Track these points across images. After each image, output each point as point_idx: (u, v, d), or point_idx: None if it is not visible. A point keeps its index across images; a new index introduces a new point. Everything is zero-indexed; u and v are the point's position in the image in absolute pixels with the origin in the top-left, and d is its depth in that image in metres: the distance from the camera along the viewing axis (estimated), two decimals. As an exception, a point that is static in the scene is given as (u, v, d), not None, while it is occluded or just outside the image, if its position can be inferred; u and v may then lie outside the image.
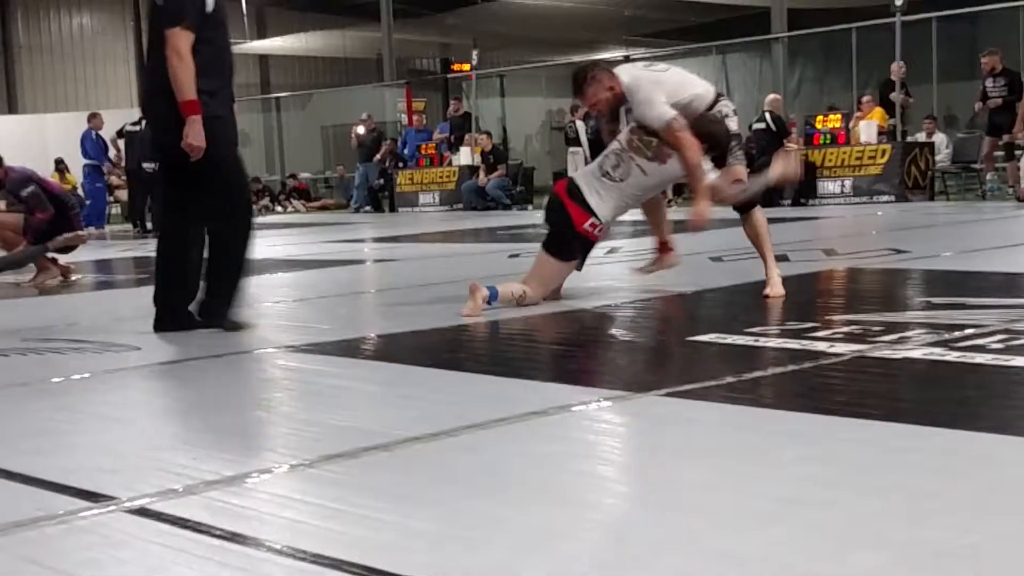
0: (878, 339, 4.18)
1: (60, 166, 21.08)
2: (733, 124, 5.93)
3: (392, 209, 20.89)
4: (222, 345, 5.04)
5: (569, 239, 5.79)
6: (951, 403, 3.29)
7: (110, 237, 17.06)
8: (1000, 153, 14.44)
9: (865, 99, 16.39)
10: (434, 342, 4.93)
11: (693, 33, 25.69)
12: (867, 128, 15.58)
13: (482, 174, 19.11)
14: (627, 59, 21.40)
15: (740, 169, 5.89)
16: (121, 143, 18.73)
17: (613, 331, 5.29)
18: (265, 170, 27.06)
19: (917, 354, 3.87)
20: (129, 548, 2.26)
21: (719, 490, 2.47)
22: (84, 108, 23.16)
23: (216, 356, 4.81)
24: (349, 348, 4.78)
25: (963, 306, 5.00)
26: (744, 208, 5.92)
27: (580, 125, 18.59)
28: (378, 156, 21.45)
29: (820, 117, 16.35)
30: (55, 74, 29.62)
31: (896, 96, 15.48)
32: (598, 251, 6.74)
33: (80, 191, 18.84)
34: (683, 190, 13.36)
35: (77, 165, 19.87)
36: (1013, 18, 17.37)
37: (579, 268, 5.93)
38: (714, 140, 5.74)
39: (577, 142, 18.56)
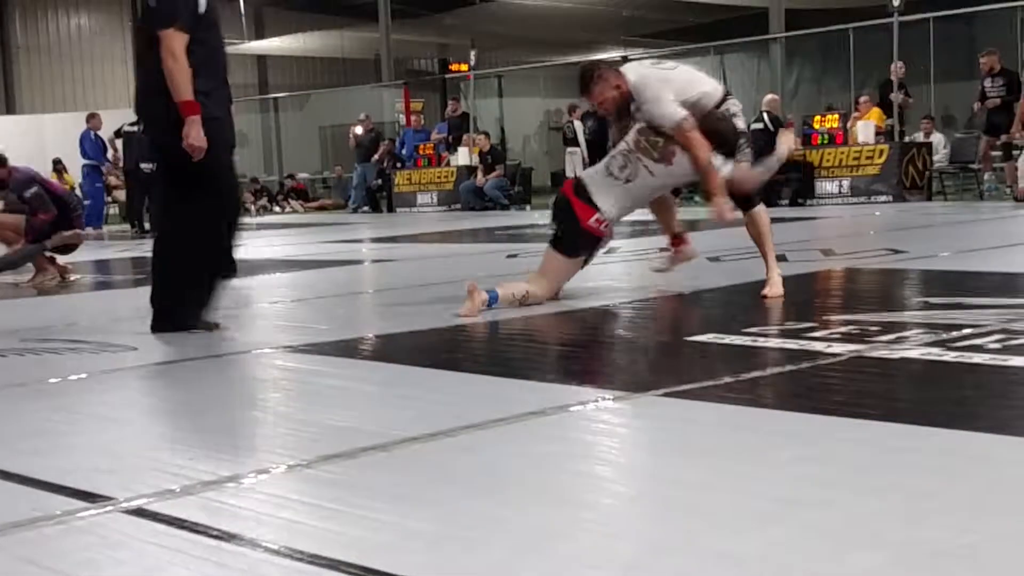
0: (876, 339, 4.18)
1: (58, 166, 21.07)
2: (740, 123, 5.93)
3: (390, 209, 20.89)
4: (220, 345, 5.04)
5: (576, 236, 5.79)
6: (949, 403, 3.29)
7: (108, 237, 17.05)
8: (997, 153, 14.45)
9: (863, 99, 16.40)
10: (432, 342, 4.93)
11: (691, 34, 25.69)
12: (865, 128, 15.58)
13: (480, 174, 19.11)
14: (625, 59, 21.41)
15: (746, 167, 5.90)
16: (119, 143, 18.73)
17: (611, 331, 5.29)
18: (263, 170, 27.07)
19: (915, 354, 3.87)
20: (126, 548, 2.26)
21: (717, 490, 2.47)
22: (82, 108, 23.14)
23: (214, 356, 4.81)
24: (347, 348, 4.78)
25: (961, 306, 5.00)
26: (747, 207, 5.92)
27: (578, 125, 18.61)
28: (376, 156, 21.46)
29: (818, 117, 16.36)
30: (53, 74, 29.60)
31: (895, 96, 15.49)
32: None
33: (78, 191, 18.82)
34: (679, 192, 13.33)
35: (75, 165, 19.87)
36: (1010, 18, 17.38)
37: (584, 265, 5.93)
38: (722, 138, 5.74)
39: (575, 142, 18.58)
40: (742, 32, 21.95)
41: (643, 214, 6.45)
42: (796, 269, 6.68)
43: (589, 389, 3.72)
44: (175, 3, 5.19)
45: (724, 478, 2.56)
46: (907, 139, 15.96)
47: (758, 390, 3.54)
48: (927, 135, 16.38)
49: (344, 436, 3.10)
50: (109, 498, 2.59)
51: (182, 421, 3.64)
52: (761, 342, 4.33)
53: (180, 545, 2.25)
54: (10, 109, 28.76)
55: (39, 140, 23.10)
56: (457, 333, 5.10)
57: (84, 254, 10.25)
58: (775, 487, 2.45)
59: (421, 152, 20.77)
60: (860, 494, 2.36)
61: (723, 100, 5.86)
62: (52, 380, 4.29)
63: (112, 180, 20.49)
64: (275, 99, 28.90)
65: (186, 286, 5.44)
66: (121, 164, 18.79)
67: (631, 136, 5.84)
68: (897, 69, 15.47)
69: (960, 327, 4.32)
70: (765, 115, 15.80)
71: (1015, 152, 13.77)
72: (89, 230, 14.51)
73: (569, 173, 18.44)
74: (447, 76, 27.80)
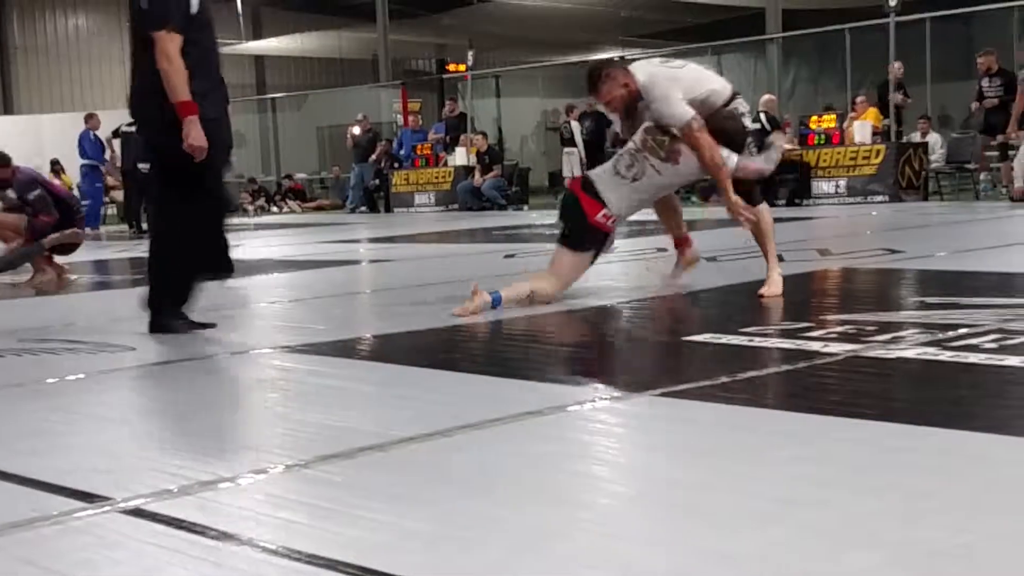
0: (872, 339, 4.19)
1: (56, 167, 21.05)
2: (748, 121, 5.95)
3: (388, 209, 20.89)
4: (217, 346, 5.05)
5: (583, 231, 5.81)
6: (945, 403, 3.29)
7: (106, 238, 17.04)
8: (994, 153, 14.46)
9: (859, 99, 16.41)
10: (430, 342, 4.93)
11: (689, 34, 25.70)
12: (861, 128, 15.60)
13: (477, 174, 19.12)
14: (623, 59, 21.41)
15: (749, 158, 5.91)
16: (117, 143, 18.72)
17: (609, 331, 5.30)
18: (261, 171, 27.07)
19: (911, 354, 3.88)
20: (124, 549, 2.26)
21: (714, 490, 2.47)
22: (80, 109, 23.13)
23: (211, 356, 4.82)
24: (344, 348, 4.78)
25: (957, 306, 5.01)
26: (750, 204, 5.93)
27: (575, 126, 18.62)
28: (374, 156, 21.46)
29: (815, 117, 16.37)
30: (51, 75, 29.60)
31: (895, 97, 15.50)
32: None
33: (76, 191, 18.81)
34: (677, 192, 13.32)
35: (72, 166, 19.85)
36: (1006, 18, 17.40)
37: (593, 261, 5.94)
38: (728, 137, 5.75)
39: (572, 142, 18.58)
40: (739, 32, 21.97)
41: (642, 214, 6.46)
42: (793, 269, 6.68)
43: (586, 389, 3.72)
44: (167, 4, 5.17)
45: (721, 478, 2.57)
46: (904, 139, 15.96)
47: (755, 390, 3.54)
48: (923, 135, 16.40)
49: (341, 436, 3.10)
50: (107, 498, 2.59)
51: (179, 421, 3.64)
52: (758, 342, 4.33)
53: (178, 545, 2.25)
54: (8, 109, 28.75)
55: (37, 140, 23.09)
56: (455, 333, 5.10)
57: (82, 254, 10.25)
58: (772, 487, 2.45)
59: (419, 152, 20.77)
60: (857, 494, 2.36)
61: (731, 99, 5.88)
62: (50, 380, 4.28)
63: (110, 180, 20.48)
64: (273, 99, 28.90)
65: (183, 286, 5.44)
66: (119, 164, 18.78)
67: (638, 135, 5.86)
68: (896, 69, 15.48)
69: (956, 327, 4.33)
70: (762, 115, 15.81)
71: (1011, 152, 13.78)
72: (87, 230, 14.52)
73: (566, 173, 18.46)
74: (445, 76, 27.81)
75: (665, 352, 4.63)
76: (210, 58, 5.40)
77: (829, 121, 15.93)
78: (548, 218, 14.99)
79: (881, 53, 15.89)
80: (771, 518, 2.23)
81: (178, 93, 5.12)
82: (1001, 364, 3.61)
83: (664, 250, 7.43)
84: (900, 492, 2.37)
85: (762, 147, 6.05)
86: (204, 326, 5.42)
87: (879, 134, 15.65)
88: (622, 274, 7.26)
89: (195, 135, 5.12)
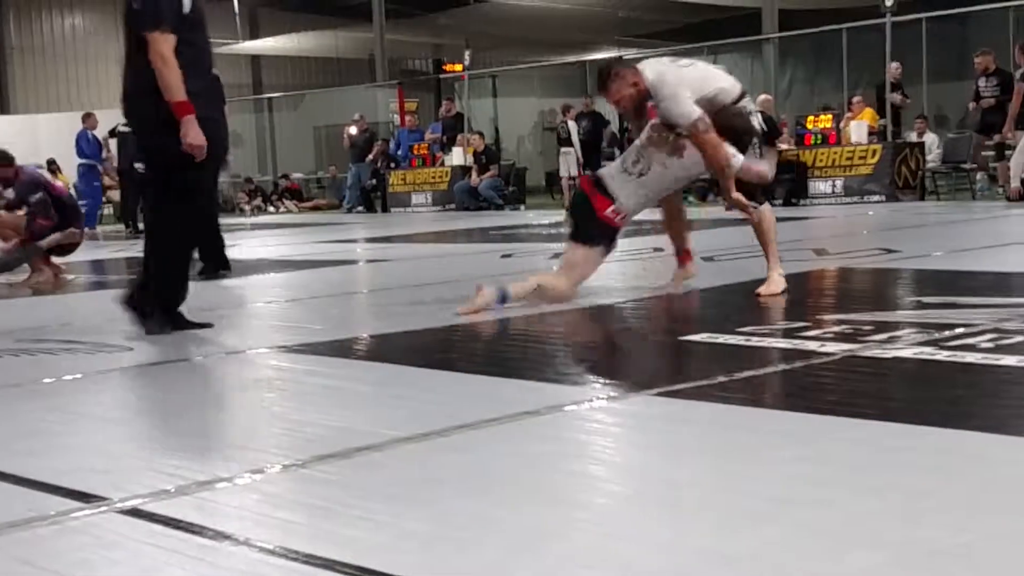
0: (869, 339, 4.19)
1: (52, 166, 21.01)
2: (756, 122, 5.97)
3: (384, 209, 20.87)
4: (214, 346, 5.04)
5: (592, 226, 5.84)
6: (943, 402, 3.30)
7: (103, 237, 17.02)
8: (990, 153, 14.46)
9: (856, 99, 16.41)
10: (426, 342, 4.93)
11: (685, 34, 25.69)
12: (858, 128, 15.60)
13: (474, 174, 19.11)
14: (620, 59, 21.42)
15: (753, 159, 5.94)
16: (113, 143, 18.70)
17: (606, 331, 5.30)
18: (257, 170, 27.05)
19: (908, 353, 3.88)
20: (121, 549, 2.26)
21: (711, 490, 2.47)
22: (76, 108, 23.10)
23: (208, 356, 4.81)
24: (341, 348, 4.77)
25: (953, 305, 5.01)
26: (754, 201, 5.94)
27: (572, 125, 18.61)
28: (370, 156, 21.44)
29: (811, 117, 16.37)
30: (47, 74, 29.55)
31: (895, 97, 15.50)
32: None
33: (73, 191, 18.79)
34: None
35: (68, 165, 19.82)
36: (1002, 19, 17.40)
37: (604, 257, 5.95)
38: (735, 134, 5.76)
39: (569, 142, 18.57)
40: (735, 32, 21.97)
41: (643, 214, 6.46)
42: (790, 269, 6.67)
43: (583, 389, 3.72)
44: (159, 4, 5.16)
45: (718, 477, 2.57)
46: (900, 139, 15.97)
47: (752, 389, 3.54)
48: (920, 135, 16.40)
49: (338, 436, 3.10)
50: (104, 498, 2.58)
51: (177, 421, 3.63)
52: (755, 341, 4.33)
53: (175, 545, 2.25)
54: (4, 109, 28.71)
55: (33, 140, 23.05)
56: (451, 333, 5.10)
57: (79, 254, 10.23)
58: (770, 486, 2.45)
59: (415, 152, 20.75)
60: (855, 493, 2.36)
61: (740, 97, 5.89)
62: (47, 380, 4.28)
63: (106, 180, 20.46)
64: (269, 99, 28.87)
65: (178, 286, 5.44)
66: (115, 164, 18.75)
67: (645, 132, 5.90)
68: (894, 70, 15.49)
69: (953, 326, 4.33)
70: (759, 115, 15.78)
71: (1008, 152, 13.79)
72: (85, 230, 14.50)
73: (563, 173, 18.46)
74: (441, 76, 27.81)
75: (662, 352, 4.63)
76: (203, 58, 5.39)
77: (825, 121, 15.92)
78: (545, 218, 15.02)
79: (877, 53, 15.89)
80: (768, 518, 2.23)
81: (174, 93, 5.11)
82: (998, 364, 3.61)
83: (661, 250, 7.43)
84: (899, 491, 2.37)
85: (761, 155, 6.08)
86: (201, 326, 5.41)
87: (875, 134, 15.65)
88: (619, 274, 7.26)
89: (193, 134, 5.11)
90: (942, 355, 3.79)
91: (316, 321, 5.74)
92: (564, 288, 5.73)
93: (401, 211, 20.21)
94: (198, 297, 6.00)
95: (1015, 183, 13.21)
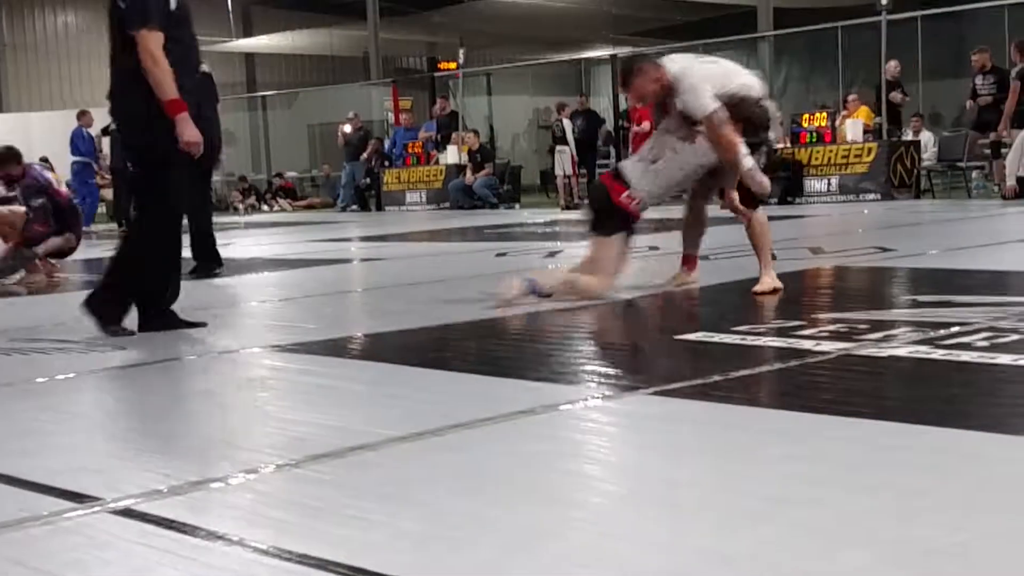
0: (864, 337, 4.19)
1: (45, 165, 20.98)
2: (774, 121, 6.03)
3: (379, 208, 20.86)
4: (207, 345, 5.03)
5: (608, 214, 5.87)
6: (938, 401, 3.29)
7: (96, 236, 17.00)
8: (986, 152, 14.48)
9: (851, 97, 16.42)
10: (421, 341, 4.92)
11: (680, 32, 25.72)
12: (853, 126, 15.61)
13: (469, 173, 19.09)
14: (614, 57, 21.43)
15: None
16: (106, 141, 18.66)
17: (601, 330, 5.29)
18: (251, 169, 27.02)
19: (903, 352, 3.88)
20: (114, 549, 2.25)
21: (706, 489, 2.47)
22: (70, 106, 23.08)
23: (201, 355, 4.80)
24: (335, 347, 4.77)
25: (949, 304, 5.02)
26: (749, 207, 5.94)
27: (567, 123, 18.60)
28: (365, 155, 21.42)
29: (806, 115, 16.38)
30: (40, 72, 29.51)
31: (896, 95, 15.51)
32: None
33: (66, 188, 18.73)
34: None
35: (62, 163, 19.78)
36: (998, 16, 17.41)
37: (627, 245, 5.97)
38: (751, 125, 5.78)
39: (564, 140, 18.56)
40: (730, 30, 21.97)
41: (646, 214, 6.45)
42: (785, 267, 6.68)
43: (578, 388, 3.71)
44: (146, 3, 5.13)
45: (714, 476, 2.56)
46: (895, 137, 15.98)
47: (747, 388, 3.54)
48: (915, 133, 16.41)
49: (332, 435, 3.09)
50: (96, 498, 2.57)
51: (169, 421, 3.62)
52: (750, 340, 4.33)
53: (168, 545, 2.24)
54: (-3, 107, 28.70)
55: (26, 138, 22.95)
56: (446, 332, 5.09)
57: (73, 253, 10.21)
58: (765, 485, 2.44)
59: (410, 151, 20.73)
60: (851, 492, 2.36)
61: (763, 98, 5.94)
62: (39, 380, 4.27)
63: (98, 179, 20.42)
64: (263, 97, 28.82)
65: (169, 284, 5.42)
66: (108, 163, 18.72)
67: (663, 123, 5.97)
68: (892, 68, 15.49)
69: (948, 325, 4.33)
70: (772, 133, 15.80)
71: (1003, 150, 13.80)
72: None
73: (558, 171, 18.45)
74: (436, 74, 27.77)
75: (657, 351, 4.63)
76: (190, 55, 5.37)
77: (821, 119, 15.94)
78: (540, 216, 15.02)
79: (873, 51, 15.91)
80: (764, 516, 2.23)
81: (166, 91, 5.08)
82: (993, 362, 3.61)
83: (656, 248, 7.43)
84: (894, 490, 2.36)
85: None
86: (194, 325, 5.40)
87: (871, 132, 15.66)
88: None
89: (188, 132, 5.09)
90: (937, 354, 3.79)
91: (310, 320, 5.73)
92: (598, 285, 5.73)
93: (395, 210, 20.20)
94: (191, 296, 6.00)
95: (1011, 181, 13.22)
